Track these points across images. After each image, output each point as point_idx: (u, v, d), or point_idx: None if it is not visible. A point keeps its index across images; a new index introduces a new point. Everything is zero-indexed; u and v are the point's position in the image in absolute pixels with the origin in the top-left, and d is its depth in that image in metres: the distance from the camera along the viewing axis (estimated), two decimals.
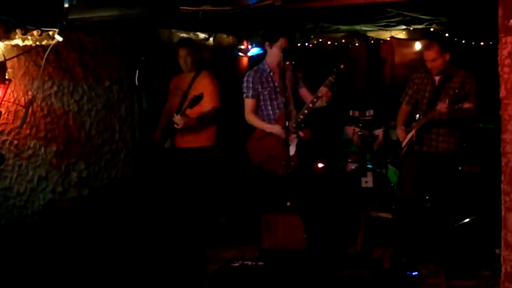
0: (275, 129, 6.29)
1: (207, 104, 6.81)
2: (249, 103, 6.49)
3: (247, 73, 6.56)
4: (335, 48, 10.00)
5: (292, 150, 6.23)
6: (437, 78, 6.44)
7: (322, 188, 8.16)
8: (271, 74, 6.45)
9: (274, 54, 6.36)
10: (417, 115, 6.47)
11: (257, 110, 6.50)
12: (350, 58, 6.32)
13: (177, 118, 6.74)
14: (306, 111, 6.27)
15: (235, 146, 7.25)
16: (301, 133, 6.31)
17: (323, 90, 6.17)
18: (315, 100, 6.22)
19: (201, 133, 6.97)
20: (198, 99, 6.62)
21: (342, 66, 6.18)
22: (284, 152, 6.14)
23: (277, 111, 6.41)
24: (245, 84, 6.48)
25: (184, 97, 6.94)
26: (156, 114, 7.32)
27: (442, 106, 6.09)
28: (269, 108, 6.45)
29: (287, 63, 6.31)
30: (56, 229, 6.15)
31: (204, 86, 6.90)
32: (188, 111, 6.72)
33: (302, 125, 6.31)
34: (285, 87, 6.18)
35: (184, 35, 8.45)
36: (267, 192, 6.54)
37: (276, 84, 6.43)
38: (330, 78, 6.18)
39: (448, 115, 6.14)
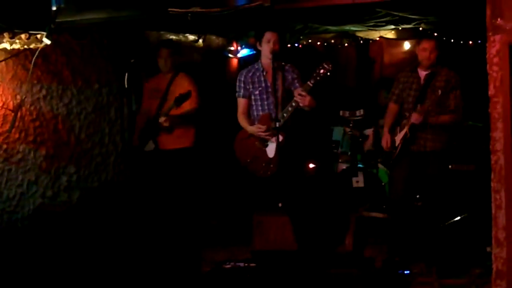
0: (251, 129, 6.29)
1: (188, 105, 6.81)
2: (240, 102, 6.46)
3: (240, 73, 6.53)
4: (325, 49, 10.00)
5: (271, 153, 6.19)
6: (422, 75, 6.46)
7: (313, 188, 8.16)
8: (264, 73, 6.37)
9: (264, 51, 6.31)
10: (407, 113, 6.47)
11: (248, 109, 6.47)
12: (331, 62, 6.10)
13: (162, 119, 6.74)
14: (285, 115, 6.19)
15: (224, 147, 7.25)
16: (280, 137, 6.20)
17: (301, 94, 6.04)
18: (293, 104, 6.13)
19: (182, 134, 6.98)
20: (185, 96, 6.63)
21: (322, 72, 5.98)
22: (264, 154, 6.14)
23: (267, 111, 6.37)
24: (237, 83, 6.46)
25: (164, 98, 6.95)
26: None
27: (415, 117, 6.18)
28: (260, 108, 6.40)
29: (281, 63, 6.27)
30: (47, 233, 6.13)
31: (184, 87, 6.88)
32: (173, 111, 6.74)
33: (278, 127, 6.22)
34: (275, 87, 6.16)
35: (173, 37, 8.44)
36: (256, 193, 6.53)
37: (269, 84, 6.32)
38: (308, 82, 6.06)
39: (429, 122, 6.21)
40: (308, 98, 5.99)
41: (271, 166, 6.13)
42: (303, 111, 6.18)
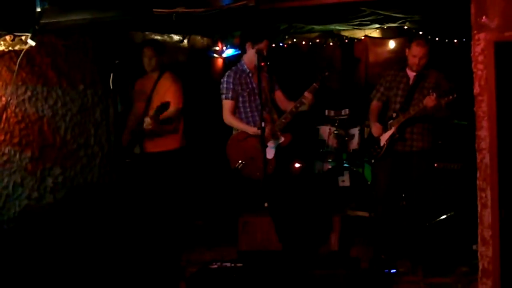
0: (254, 130, 6.25)
1: (170, 106, 6.78)
2: (228, 104, 6.43)
3: (227, 74, 6.49)
4: (310, 48, 10.02)
5: (270, 154, 6.20)
6: (411, 76, 6.43)
7: (298, 188, 8.17)
8: (250, 75, 6.41)
9: (253, 55, 6.30)
10: (394, 114, 6.44)
11: (234, 111, 6.46)
12: (334, 65, 6.45)
13: (147, 120, 6.72)
14: (289, 116, 6.25)
15: (209, 148, 7.24)
16: (282, 138, 6.29)
17: (308, 96, 6.18)
18: (298, 105, 6.20)
19: (168, 136, 6.99)
20: (164, 107, 6.60)
21: (326, 73, 6.27)
22: (263, 155, 6.12)
23: (256, 113, 6.35)
24: (224, 85, 6.42)
25: (148, 100, 6.96)
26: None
27: (429, 100, 6.08)
28: (248, 110, 6.41)
29: (262, 64, 6.27)
30: (33, 235, 6.10)
31: (166, 88, 6.92)
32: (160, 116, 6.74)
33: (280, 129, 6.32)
34: (260, 89, 6.15)
35: (158, 37, 8.43)
36: (244, 194, 6.53)
37: (255, 86, 6.35)
38: (315, 84, 6.20)
39: (433, 109, 6.12)
40: (313, 100, 6.25)
41: (270, 167, 6.14)
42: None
